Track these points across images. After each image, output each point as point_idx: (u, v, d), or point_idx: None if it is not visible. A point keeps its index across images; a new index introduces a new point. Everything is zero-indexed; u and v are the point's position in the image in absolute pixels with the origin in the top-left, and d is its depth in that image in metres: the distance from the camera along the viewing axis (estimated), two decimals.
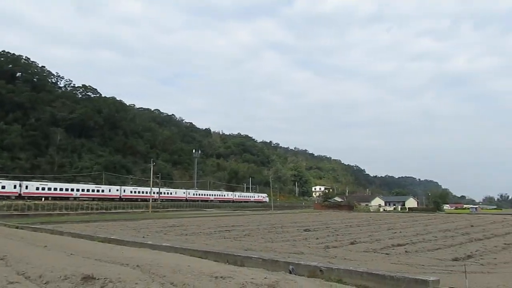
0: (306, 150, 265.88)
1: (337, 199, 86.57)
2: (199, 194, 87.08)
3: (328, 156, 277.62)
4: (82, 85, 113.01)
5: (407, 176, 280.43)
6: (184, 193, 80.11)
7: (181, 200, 75.72)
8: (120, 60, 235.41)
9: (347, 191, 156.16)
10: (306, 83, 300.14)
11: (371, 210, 73.16)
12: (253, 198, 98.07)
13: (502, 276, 8.44)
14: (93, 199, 60.18)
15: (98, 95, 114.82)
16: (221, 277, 7.34)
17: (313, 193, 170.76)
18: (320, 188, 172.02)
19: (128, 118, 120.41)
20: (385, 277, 7.43)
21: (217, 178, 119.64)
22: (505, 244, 14.68)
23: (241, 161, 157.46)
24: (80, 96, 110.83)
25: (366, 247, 13.70)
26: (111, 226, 25.23)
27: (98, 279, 7.23)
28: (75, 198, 59.26)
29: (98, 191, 62.87)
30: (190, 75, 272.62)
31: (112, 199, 61.36)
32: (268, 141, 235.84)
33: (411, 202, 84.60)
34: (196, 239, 16.51)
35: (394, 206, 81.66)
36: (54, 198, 55.71)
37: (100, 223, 28.53)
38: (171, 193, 76.42)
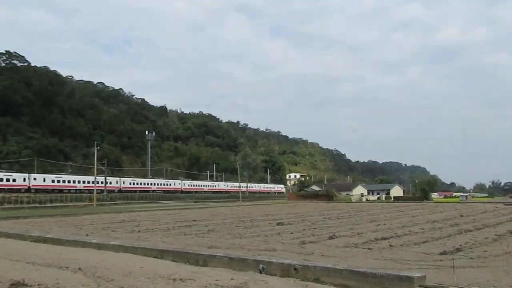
0: (279, 132, 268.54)
1: (315, 188, 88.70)
2: (198, 185, 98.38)
3: (304, 139, 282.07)
4: (6, 51, 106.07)
5: (392, 161, 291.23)
6: (179, 184, 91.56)
7: (176, 191, 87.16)
8: (54, 21, 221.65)
9: (325, 178, 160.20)
10: (278, 54, 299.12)
11: (353, 200, 75.59)
12: (274, 189, 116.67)
13: (492, 270, 8.96)
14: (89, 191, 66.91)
15: (26, 63, 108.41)
16: (180, 279, 7.37)
17: (287, 182, 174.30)
18: (295, 176, 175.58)
19: (65, 93, 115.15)
20: (366, 274, 7.70)
21: (175, 165, 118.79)
22: (496, 235, 15.68)
23: (203, 144, 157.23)
24: (4, 64, 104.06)
25: (347, 242, 14.18)
26: (47, 223, 24.54)
27: (30, 286, 7.04)
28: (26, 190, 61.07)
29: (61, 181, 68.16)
30: (142, 42, 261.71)
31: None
32: (235, 122, 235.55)
33: (396, 191, 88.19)
34: (151, 236, 16.39)
35: (378, 195, 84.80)
36: None
37: (32, 220, 27.67)
38: (170, 184, 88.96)
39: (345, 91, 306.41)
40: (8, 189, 59.11)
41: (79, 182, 70.16)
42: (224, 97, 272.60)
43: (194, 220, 25.49)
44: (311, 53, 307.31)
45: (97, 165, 65.04)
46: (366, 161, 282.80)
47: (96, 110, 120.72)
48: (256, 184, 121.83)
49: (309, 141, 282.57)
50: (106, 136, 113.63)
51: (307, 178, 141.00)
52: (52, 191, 64.13)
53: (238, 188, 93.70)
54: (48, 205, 54.39)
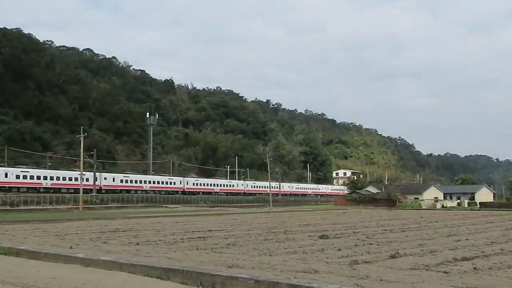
0: (323, 116, 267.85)
1: (371, 189, 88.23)
2: (259, 186, 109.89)
3: (357, 125, 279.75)
4: None
5: (479, 154, 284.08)
6: (242, 185, 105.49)
7: (238, 194, 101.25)
8: None
9: (386, 177, 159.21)
10: (323, 9, 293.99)
11: (423, 207, 74.70)
12: (317, 190, 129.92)
13: None
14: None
15: None
16: None
17: (334, 181, 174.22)
18: (345, 174, 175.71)
19: (42, 63, 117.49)
20: None
21: (184, 158, 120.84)
22: None
23: (222, 131, 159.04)
24: None
25: (414, 262, 13.99)
26: (20, 231, 25.42)
27: None
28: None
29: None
30: None
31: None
32: (264, 101, 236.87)
33: (484, 194, 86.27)
34: (153, 250, 16.71)
35: (458, 201, 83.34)
36: None
37: (2, 226, 28.71)
38: (232, 186, 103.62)
39: (414, 60, 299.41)
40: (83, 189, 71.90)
41: (145, 182, 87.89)
42: (249, 68, 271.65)
43: (210, 231, 25.82)
44: (368, 5, 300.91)
45: (84, 157, 66.91)
46: (442, 154, 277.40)
47: (82, 86, 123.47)
48: (295, 185, 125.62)
49: (364, 126, 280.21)
50: (95, 120, 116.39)
51: (361, 176, 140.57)
52: (120, 192, 79.71)
53: (267, 189, 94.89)
54: (22, 207, 56.38)
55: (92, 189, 75.60)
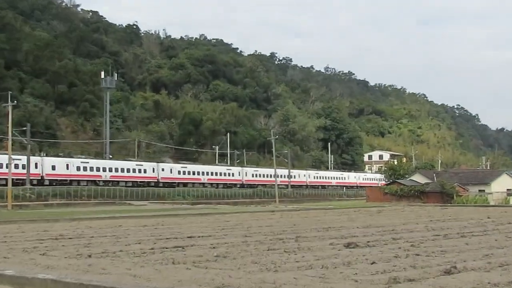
0: (351, 75, 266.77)
1: (418, 179, 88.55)
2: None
3: (398, 88, 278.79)
4: None
5: None
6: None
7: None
8: None
9: (439, 162, 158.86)
10: None
11: (491, 202, 75.05)
12: (341, 179, 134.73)
13: None
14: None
15: None
16: None
17: (367, 167, 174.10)
18: (381, 157, 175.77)
19: None
20: None
21: (155, 135, 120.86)
22: None
23: (208, 97, 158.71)
24: None
25: (478, 280, 14.08)
26: None
27: None
28: None
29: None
30: None
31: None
32: (268, 55, 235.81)
33: None
34: (112, 265, 16.78)
35: None
36: None
37: None
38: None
39: None
40: (140, 182, 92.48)
41: (203, 173, 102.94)
42: (247, 9, 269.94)
43: (191, 237, 25.91)
44: None
45: (13, 134, 66.81)
46: None
47: (10, 34, 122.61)
48: (311, 172, 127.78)
49: (408, 91, 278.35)
50: (28, 82, 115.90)
51: (404, 160, 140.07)
52: (178, 185, 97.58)
53: (273, 179, 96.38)
54: None
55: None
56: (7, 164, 66.56)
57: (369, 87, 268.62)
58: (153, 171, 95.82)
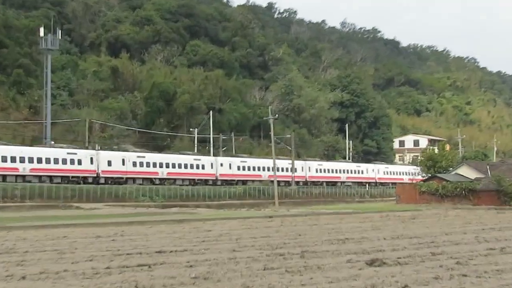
0: (376, 33, 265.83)
1: (465, 172, 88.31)
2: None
3: (440, 50, 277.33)
4: None
5: None
6: (373, 171, 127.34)
7: (369, 183, 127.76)
8: None
9: (494, 150, 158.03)
10: None
11: None
12: (363, 174, 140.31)
13: None
14: None
15: None
16: None
17: (397, 156, 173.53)
18: (416, 142, 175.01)
19: None
20: None
21: (113, 113, 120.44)
22: None
23: (184, 62, 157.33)
24: None
25: None
26: None
27: None
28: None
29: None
30: None
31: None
32: (264, 5, 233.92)
33: None
34: None
35: None
36: None
37: None
38: (362, 172, 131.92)
39: None
40: (197, 180, 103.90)
41: (264, 169, 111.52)
42: None
43: (161, 252, 25.92)
44: None
45: None
46: None
47: None
48: (324, 164, 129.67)
49: (452, 54, 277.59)
50: None
51: (447, 147, 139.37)
52: (236, 183, 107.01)
53: (270, 173, 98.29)
54: None
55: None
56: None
57: (400, 49, 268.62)
58: (212, 166, 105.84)
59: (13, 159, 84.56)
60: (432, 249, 26.81)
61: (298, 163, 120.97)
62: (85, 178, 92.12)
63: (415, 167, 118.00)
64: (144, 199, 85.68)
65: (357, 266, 21.46)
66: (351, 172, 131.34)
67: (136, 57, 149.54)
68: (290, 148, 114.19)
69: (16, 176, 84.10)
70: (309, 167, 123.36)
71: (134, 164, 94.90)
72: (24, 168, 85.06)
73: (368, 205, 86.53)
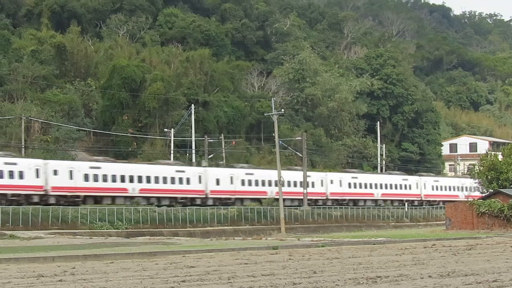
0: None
1: None
2: None
3: (504, 19, 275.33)
4: None
5: None
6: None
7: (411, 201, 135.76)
8: None
9: None
10: None
11: None
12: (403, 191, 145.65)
13: None
14: None
15: None
16: None
17: (447, 165, 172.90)
18: (472, 147, 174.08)
19: None
20: None
21: (57, 109, 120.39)
22: None
23: (156, 39, 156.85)
24: None
25: None
26: None
27: None
28: None
29: None
30: None
31: None
32: None
33: None
34: None
35: None
36: None
37: None
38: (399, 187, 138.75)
39: None
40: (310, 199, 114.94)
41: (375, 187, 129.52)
42: None
43: None
44: None
45: None
46: None
47: None
48: (349, 177, 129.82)
49: None
50: None
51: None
52: (347, 204, 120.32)
53: (274, 187, 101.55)
54: None
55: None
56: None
57: (451, 20, 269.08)
58: (322, 184, 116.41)
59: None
60: None
61: (316, 176, 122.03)
62: (193, 199, 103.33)
63: (470, 180, 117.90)
64: (102, 225, 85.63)
65: None
66: (387, 188, 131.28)
67: (90, 32, 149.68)
68: (300, 155, 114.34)
69: (125, 197, 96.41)
70: (344, 180, 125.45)
71: (243, 182, 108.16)
72: (134, 189, 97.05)
73: (408, 232, 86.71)
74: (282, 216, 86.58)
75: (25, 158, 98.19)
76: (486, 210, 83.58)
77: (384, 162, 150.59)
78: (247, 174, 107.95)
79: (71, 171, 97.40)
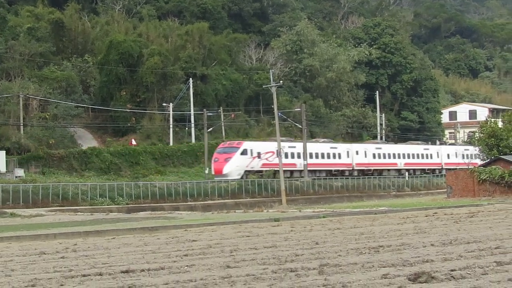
0: None
1: None
2: None
3: None
4: None
5: None
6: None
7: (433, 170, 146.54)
8: None
9: None
10: None
11: None
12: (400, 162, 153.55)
13: None
14: None
15: None
16: None
17: (447, 133, 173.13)
18: (472, 114, 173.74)
19: None
20: None
21: (55, 86, 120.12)
22: None
23: (153, 13, 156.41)
24: None
25: None
26: None
27: None
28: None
29: None
30: None
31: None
32: None
33: None
34: None
35: None
36: None
37: None
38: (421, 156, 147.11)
39: None
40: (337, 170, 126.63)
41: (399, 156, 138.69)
42: None
43: (127, 273, 25.79)
44: None
45: None
46: None
47: None
48: (347, 147, 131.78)
49: None
50: None
51: None
52: (372, 174, 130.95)
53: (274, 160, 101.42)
54: None
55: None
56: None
57: None
58: (347, 155, 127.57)
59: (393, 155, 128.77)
60: (497, 257, 26.70)
61: (343, 147, 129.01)
62: (342, 171, 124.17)
63: (471, 147, 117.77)
64: (102, 201, 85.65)
65: (396, 283, 21.48)
66: (409, 157, 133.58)
67: (87, 8, 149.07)
68: (300, 126, 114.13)
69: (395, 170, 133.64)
70: (343, 150, 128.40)
71: (374, 155, 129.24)
72: (400, 163, 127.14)
73: (409, 201, 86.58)
74: (283, 188, 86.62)
75: (340, 143, 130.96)
76: (487, 177, 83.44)
77: (383, 132, 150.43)
78: (376, 148, 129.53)
79: (365, 152, 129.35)
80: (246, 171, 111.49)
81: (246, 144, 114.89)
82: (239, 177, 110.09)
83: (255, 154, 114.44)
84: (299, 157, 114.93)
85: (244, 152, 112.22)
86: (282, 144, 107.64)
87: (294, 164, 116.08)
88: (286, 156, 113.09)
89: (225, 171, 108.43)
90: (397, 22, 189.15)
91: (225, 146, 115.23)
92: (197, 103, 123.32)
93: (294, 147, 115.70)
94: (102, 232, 47.21)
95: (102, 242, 40.04)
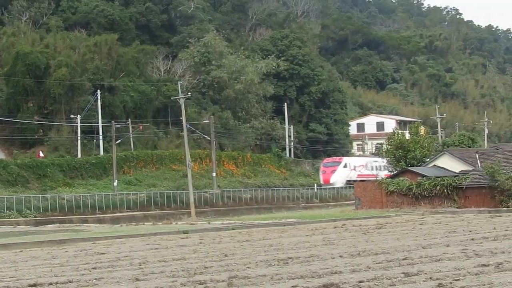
0: None
1: (445, 164, 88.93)
2: None
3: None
4: None
5: None
6: None
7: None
8: None
9: (485, 133, 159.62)
10: None
11: None
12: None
13: None
14: None
15: None
16: None
17: (354, 145, 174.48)
18: (380, 126, 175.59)
19: None
20: None
21: None
22: None
23: (60, 24, 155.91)
24: None
25: None
26: None
27: None
28: None
29: None
30: None
31: None
32: None
33: None
34: None
35: None
36: None
37: None
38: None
39: None
40: None
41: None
42: None
43: (35, 286, 25.76)
44: None
45: None
46: None
47: None
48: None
49: (426, 3, 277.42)
50: None
51: (422, 130, 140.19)
52: None
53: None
54: None
55: None
56: None
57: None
58: None
59: None
60: (405, 268, 27.10)
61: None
62: None
63: (379, 159, 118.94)
64: (10, 214, 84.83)
65: None
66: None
67: None
68: (208, 138, 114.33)
69: None
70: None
71: None
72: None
73: (318, 213, 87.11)
74: (192, 200, 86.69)
75: None
76: (395, 188, 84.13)
77: (292, 144, 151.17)
78: None
79: None
80: (347, 180, 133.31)
81: (346, 159, 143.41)
82: (342, 185, 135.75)
83: (352, 167, 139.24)
84: (379, 169, 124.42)
85: (345, 166, 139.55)
86: (367, 159, 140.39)
87: (375, 175, 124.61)
88: (372, 169, 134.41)
89: (332, 180, 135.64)
90: (304, 34, 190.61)
91: (329, 161, 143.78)
92: (105, 115, 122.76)
93: (376, 161, 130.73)
94: (9, 245, 46.96)
95: (9, 256, 39.83)
